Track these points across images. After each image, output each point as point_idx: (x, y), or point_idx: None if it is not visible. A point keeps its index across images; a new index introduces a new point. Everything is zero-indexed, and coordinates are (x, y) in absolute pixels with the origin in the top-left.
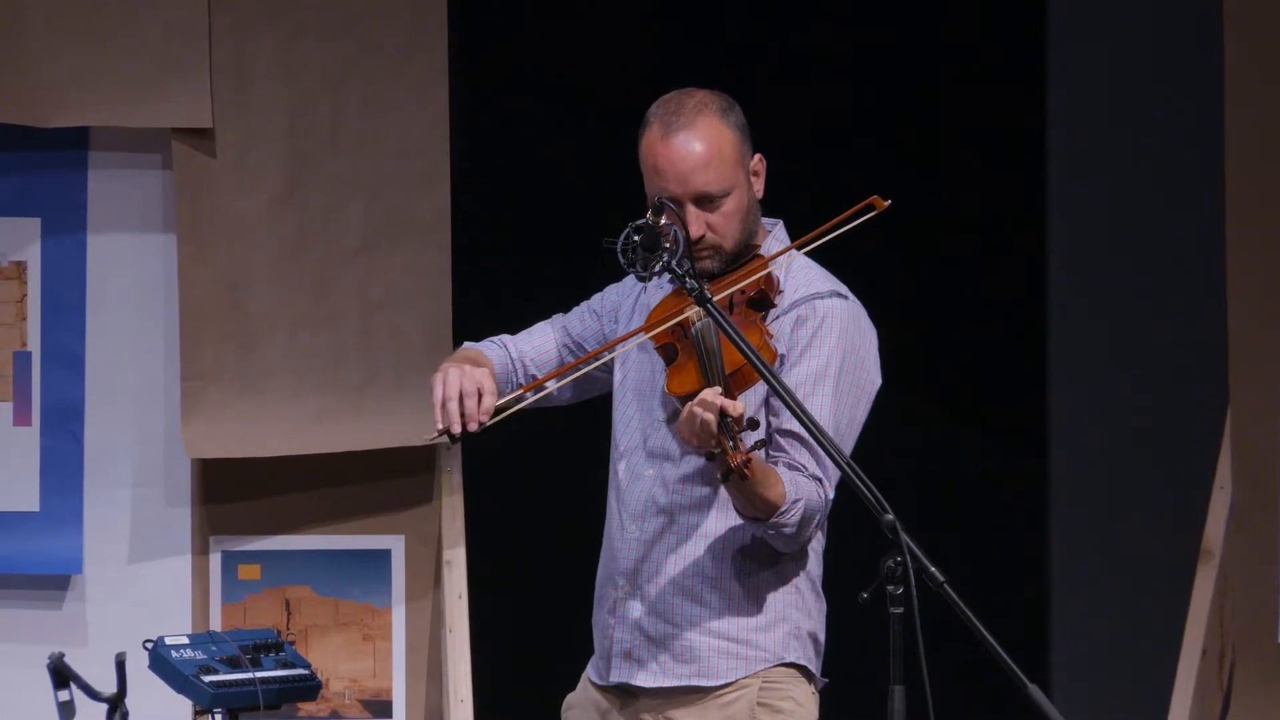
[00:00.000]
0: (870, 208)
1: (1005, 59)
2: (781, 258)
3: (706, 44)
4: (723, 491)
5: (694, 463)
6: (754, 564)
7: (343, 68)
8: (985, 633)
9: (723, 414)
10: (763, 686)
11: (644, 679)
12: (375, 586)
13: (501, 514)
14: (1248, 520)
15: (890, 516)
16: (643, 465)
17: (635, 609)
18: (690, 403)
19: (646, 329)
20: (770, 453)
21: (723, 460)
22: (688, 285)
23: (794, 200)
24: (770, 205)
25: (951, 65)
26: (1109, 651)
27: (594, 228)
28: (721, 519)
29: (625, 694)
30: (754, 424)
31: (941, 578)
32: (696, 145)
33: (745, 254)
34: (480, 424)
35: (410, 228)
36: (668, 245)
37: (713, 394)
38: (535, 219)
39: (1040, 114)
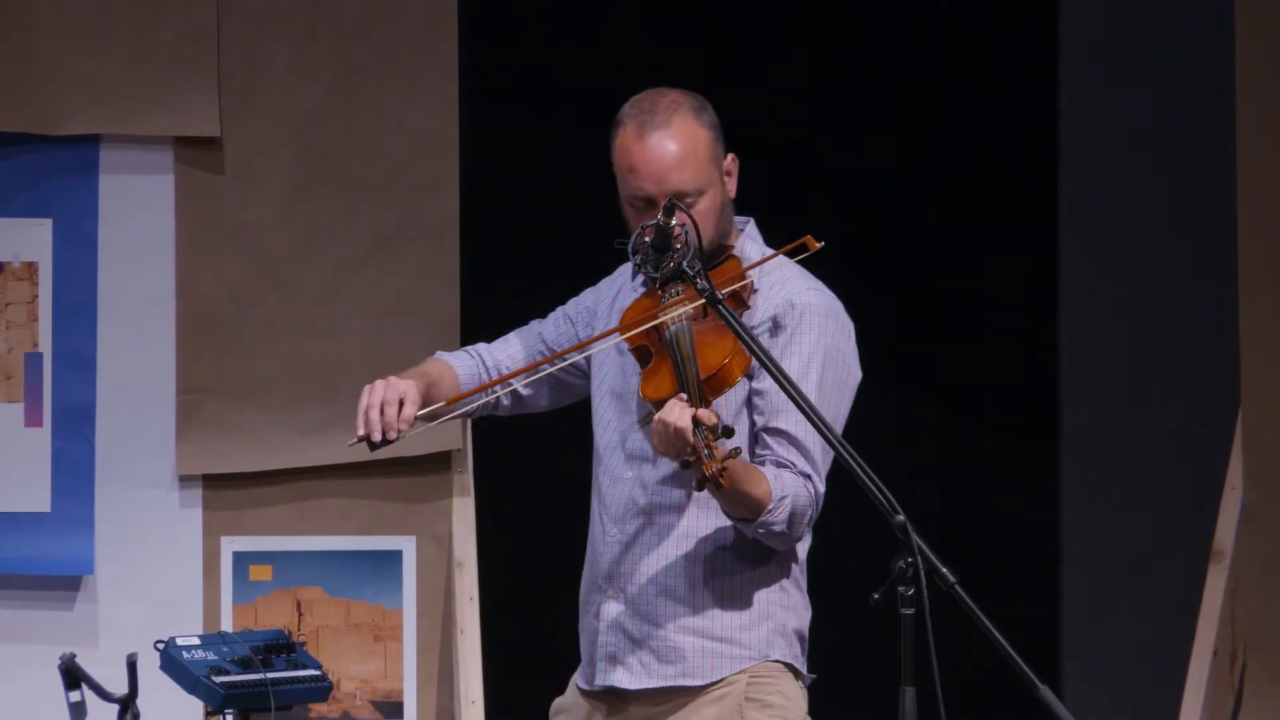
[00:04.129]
0: (803, 247)
1: (1017, 56)
2: (755, 255)
3: (712, 46)
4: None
5: (672, 464)
6: (736, 562)
7: (352, 72)
8: (996, 634)
9: (696, 422)
10: (750, 681)
11: (630, 681)
12: (387, 588)
13: (513, 516)
14: (1259, 520)
15: (901, 518)
16: (622, 468)
17: (618, 611)
18: (660, 414)
19: (621, 330)
20: (757, 451)
21: (697, 469)
22: (699, 286)
23: (798, 192)
24: (778, 196)
25: (962, 62)
26: (1120, 652)
27: (603, 231)
28: (702, 518)
29: (613, 699)
30: (729, 431)
31: (953, 579)
32: (672, 145)
33: (719, 254)
34: (400, 432)
35: (419, 232)
36: (679, 246)
37: (681, 403)
38: (544, 223)
39: (1052, 113)
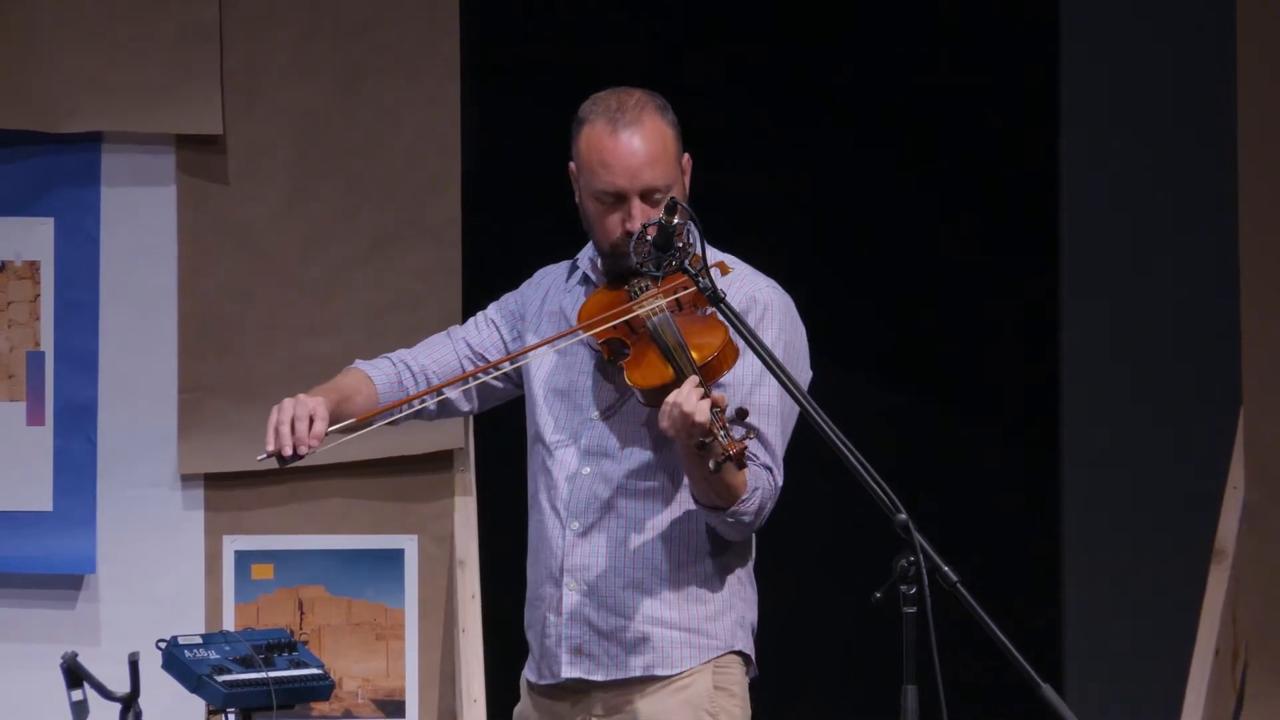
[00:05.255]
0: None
1: (1017, 56)
2: (711, 256)
3: (714, 47)
4: (667, 484)
5: (636, 458)
6: (701, 554)
7: (354, 72)
8: (999, 632)
9: (711, 404)
10: (715, 670)
11: (599, 673)
12: (388, 586)
13: (515, 514)
14: (1260, 519)
15: (903, 516)
16: (578, 464)
17: (583, 604)
18: (672, 396)
19: (587, 326)
20: None
21: (716, 449)
22: (701, 284)
23: (798, 192)
24: (777, 196)
25: (963, 66)
26: (1122, 651)
27: None
28: (667, 512)
29: (576, 690)
30: (743, 413)
31: (955, 577)
32: (645, 141)
33: None
34: (310, 447)
35: (421, 231)
36: (680, 244)
37: (693, 387)
38: (546, 221)
39: (1053, 114)
